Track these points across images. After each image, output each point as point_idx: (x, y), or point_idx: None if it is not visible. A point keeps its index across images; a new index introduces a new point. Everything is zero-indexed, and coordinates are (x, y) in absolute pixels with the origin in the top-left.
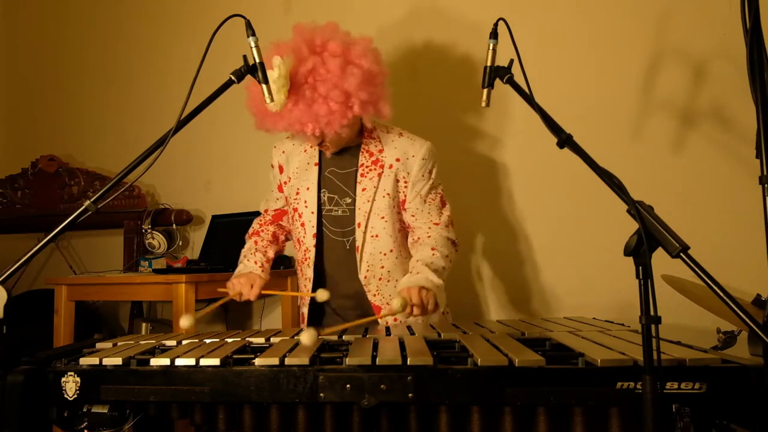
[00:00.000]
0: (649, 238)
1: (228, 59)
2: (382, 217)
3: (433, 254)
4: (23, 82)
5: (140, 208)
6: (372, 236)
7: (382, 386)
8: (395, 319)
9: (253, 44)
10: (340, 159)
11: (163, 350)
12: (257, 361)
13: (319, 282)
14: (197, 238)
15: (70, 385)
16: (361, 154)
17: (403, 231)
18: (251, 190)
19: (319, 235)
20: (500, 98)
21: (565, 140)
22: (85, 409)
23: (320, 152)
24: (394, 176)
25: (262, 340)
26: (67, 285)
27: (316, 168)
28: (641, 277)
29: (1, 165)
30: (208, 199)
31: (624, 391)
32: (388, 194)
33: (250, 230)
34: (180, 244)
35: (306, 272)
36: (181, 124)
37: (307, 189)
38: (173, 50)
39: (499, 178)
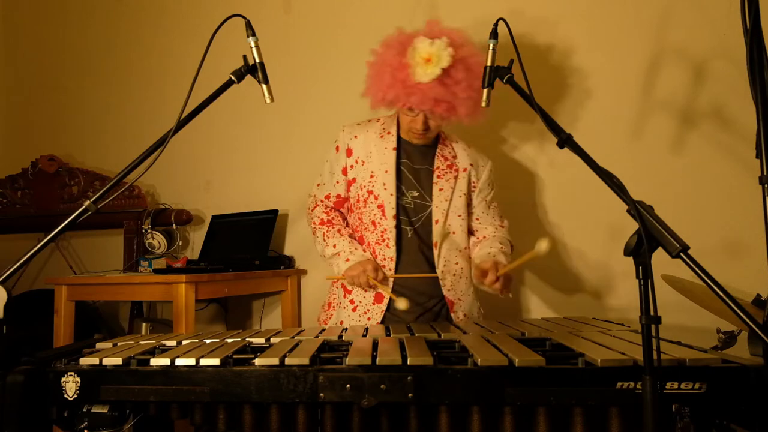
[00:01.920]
0: (649, 238)
1: (228, 59)
2: (459, 215)
3: (502, 247)
4: (23, 82)
5: (140, 208)
6: (451, 233)
7: (382, 386)
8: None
9: (253, 44)
10: (415, 153)
11: (163, 350)
12: (257, 361)
13: (398, 260)
14: (197, 238)
15: (70, 385)
16: (436, 157)
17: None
18: (251, 190)
19: (398, 218)
20: (498, 99)
21: (565, 140)
22: (85, 409)
23: (398, 139)
24: (467, 179)
25: (262, 340)
26: (67, 285)
27: (395, 153)
28: (641, 277)
29: (1, 165)
30: (208, 199)
31: (624, 391)
32: (464, 194)
33: (317, 219)
34: (180, 244)
35: (385, 252)
36: (181, 124)
37: (386, 172)
38: (173, 50)
39: (500, 177)
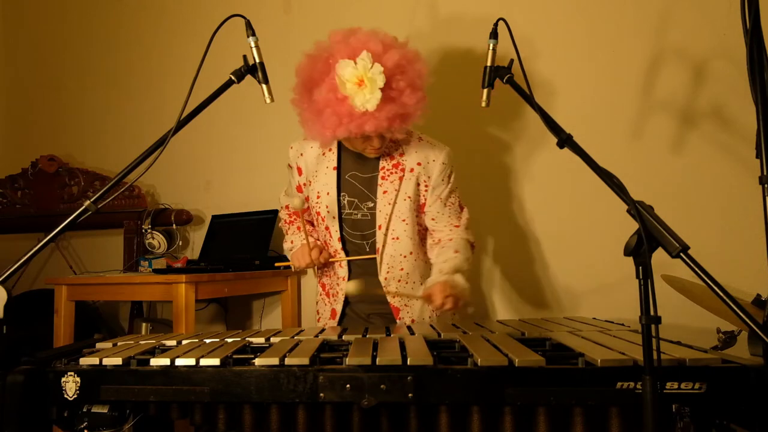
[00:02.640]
0: (649, 238)
1: (228, 59)
2: (403, 220)
3: (456, 256)
4: (23, 82)
5: (140, 208)
6: (393, 238)
7: (382, 386)
8: (434, 312)
9: (253, 44)
10: (362, 163)
11: (163, 350)
12: (257, 361)
13: (350, 280)
14: (197, 238)
15: (70, 385)
16: (381, 158)
17: (421, 234)
18: (251, 190)
19: (343, 238)
20: (506, 99)
21: (565, 140)
22: (85, 409)
23: (339, 156)
24: (415, 180)
25: (262, 340)
26: (67, 285)
27: (335, 172)
28: (641, 277)
29: (1, 165)
30: (208, 199)
31: (624, 391)
32: (409, 197)
33: (282, 221)
34: (180, 244)
35: (339, 272)
36: (181, 124)
37: (327, 194)
38: (173, 50)
39: (499, 178)
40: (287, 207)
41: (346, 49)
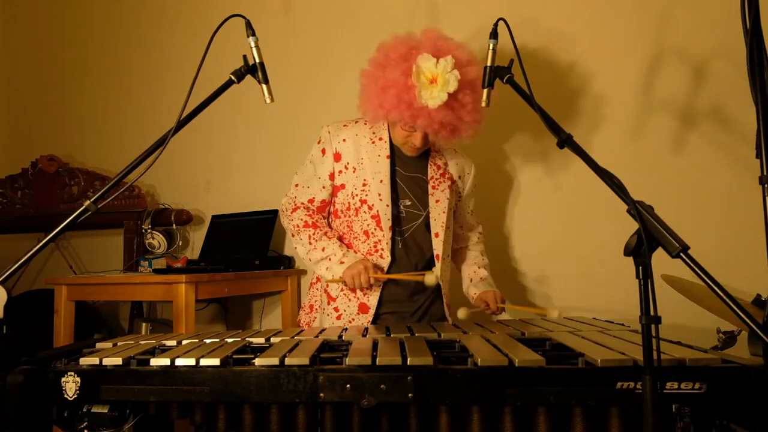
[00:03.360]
0: (649, 238)
1: (228, 59)
2: (449, 227)
3: (484, 260)
4: (23, 82)
5: (140, 208)
6: (446, 244)
7: (382, 386)
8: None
9: (253, 44)
10: (408, 161)
11: (163, 350)
12: (257, 361)
13: (390, 272)
14: (197, 238)
15: (70, 385)
16: (429, 165)
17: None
18: (251, 190)
19: (393, 229)
20: (501, 98)
21: (565, 140)
22: (85, 409)
23: (391, 146)
24: (456, 191)
25: (262, 340)
26: (67, 285)
27: (388, 161)
28: (641, 277)
29: (1, 165)
30: (208, 199)
31: (624, 391)
32: (453, 207)
33: (300, 222)
34: (180, 244)
35: (379, 262)
36: (181, 124)
37: (381, 182)
38: (173, 50)
39: (500, 177)
40: (310, 202)
41: (433, 47)
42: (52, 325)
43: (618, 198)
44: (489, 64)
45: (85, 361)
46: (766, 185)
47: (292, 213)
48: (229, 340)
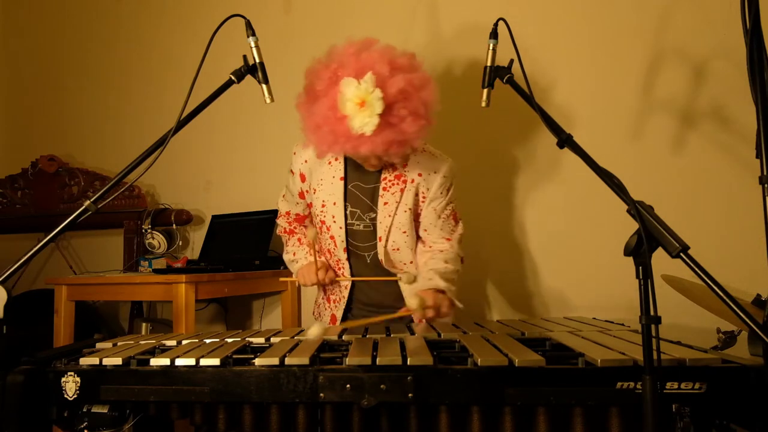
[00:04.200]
0: (649, 238)
1: (228, 59)
2: (404, 232)
3: (446, 267)
4: (23, 82)
5: (140, 208)
6: (393, 249)
7: (382, 386)
8: (418, 320)
9: (253, 44)
10: (365, 173)
11: (163, 350)
12: (257, 361)
13: (352, 291)
14: (197, 238)
15: (70, 385)
16: (384, 168)
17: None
18: (251, 190)
19: (348, 249)
20: (502, 98)
21: (565, 140)
22: (85, 409)
23: (345, 166)
24: (414, 190)
25: (262, 340)
26: (67, 285)
27: (342, 182)
28: (641, 277)
29: (1, 165)
30: (208, 199)
31: (624, 391)
32: (410, 209)
33: (281, 228)
34: (180, 244)
35: (341, 282)
36: (181, 124)
37: (334, 204)
38: (173, 50)
39: (501, 178)
40: (287, 214)
41: (355, 65)
42: (52, 325)
43: (618, 198)
44: (489, 64)
45: (85, 361)
46: (766, 185)
47: (278, 219)
48: (229, 340)
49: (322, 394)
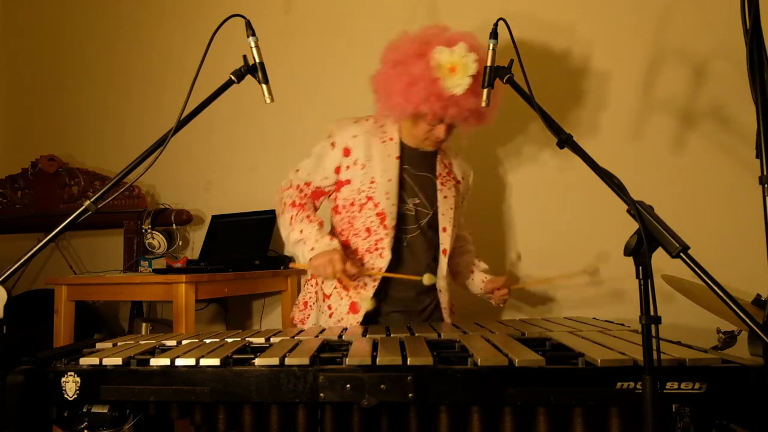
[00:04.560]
0: (649, 238)
1: (228, 59)
2: (455, 225)
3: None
4: (23, 82)
5: (140, 208)
6: (452, 239)
7: (382, 386)
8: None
9: (253, 44)
10: (417, 159)
11: (163, 350)
12: (257, 361)
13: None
14: (197, 238)
15: (70, 385)
16: (438, 163)
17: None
18: (251, 190)
19: (396, 227)
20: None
21: (565, 140)
22: (85, 409)
23: (401, 147)
24: (460, 191)
25: (262, 340)
26: (67, 285)
27: (398, 162)
28: (641, 277)
29: (1, 165)
30: (208, 199)
31: (624, 391)
32: (458, 207)
33: (289, 200)
34: (180, 244)
35: (375, 262)
36: (181, 124)
37: (389, 180)
38: (173, 50)
39: (500, 178)
40: (306, 185)
41: (443, 39)
42: (52, 325)
43: (618, 198)
44: (489, 64)
45: (85, 361)
46: (766, 185)
47: (284, 191)
48: (229, 340)
49: (322, 394)
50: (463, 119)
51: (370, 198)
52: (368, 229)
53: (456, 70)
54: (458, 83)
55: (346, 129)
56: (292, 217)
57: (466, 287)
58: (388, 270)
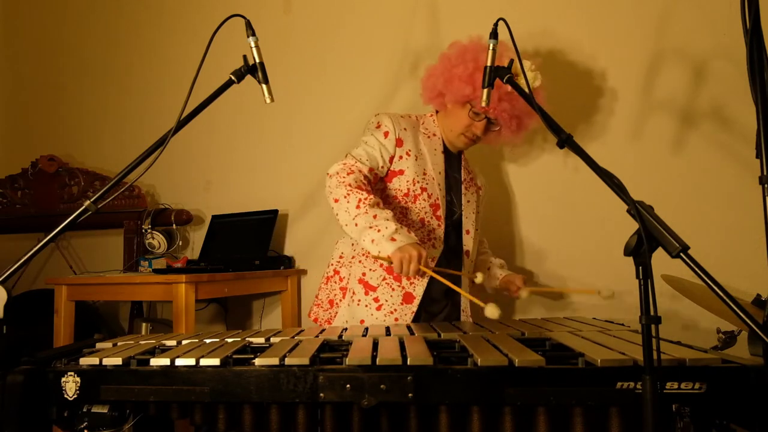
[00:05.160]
0: (649, 238)
1: (228, 59)
2: (477, 229)
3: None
4: (23, 82)
5: (140, 208)
6: (474, 242)
7: (382, 386)
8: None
9: (253, 44)
10: (450, 159)
11: (163, 350)
12: (257, 361)
13: (440, 262)
14: (197, 238)
15: (70, 385)
16: (463, 168)
17: None
18: (251, 190)
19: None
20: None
21: (565, 140)
22: (85, 409)
23: (443, 144)
24: (480, 199)
25: (262, 340)
26: (67, 285)
27: (443, 156)
28: (641, 277)
29: (1, 165)
30: (208, 199)
31: (624, 391)
32: (479, 213)
33: (352, 182)
34: (180, 244)
35: (431, 252)
36: (181, 124)
37: (440, 173)
38: (173, 50)
39: (501, 177)
40: (370, 170)
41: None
42: (52, 325)
43: (618, 198)
44: (489, 64)
45: (85, 361)
46: (766, 185)
47: (347, 175)
48: (229, 340)
49: (322, 394)
50: (509, 118)
51: (424, 189)
52: (422, 220)
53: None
54: (529, 78)
55: (396, 121)
56: (360, 200)
57: (482, 283)
58: (441, 259)
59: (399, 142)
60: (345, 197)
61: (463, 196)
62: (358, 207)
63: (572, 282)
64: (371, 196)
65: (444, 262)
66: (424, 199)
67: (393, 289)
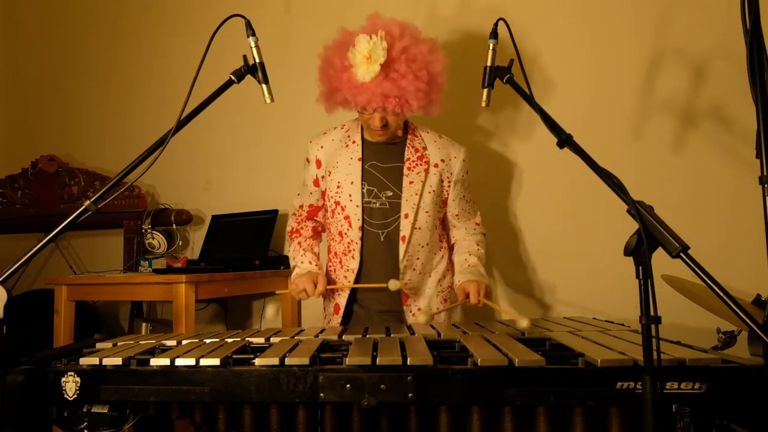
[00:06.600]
0: (649, 238)
1: (228, 59)
2: (426, 212)
3: (479, 250)
4: (23, 82)
5: (140, 208)
6: (416, 228)
7: (382, 386)
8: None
9: (253, 44)
10: (383, 153)
11: (163, 350)
12: (257, 361)
13: (360, 272)
14: (197, 238)
15: (70, 385)
16: (406, 149)
17: (438, 227)
18: (251, 190)
19: (363, 227)
20: (509, 97)
21: (565, 140)
22: (85, 409)
23: (363, 147)
24: (439, 175)
25: (262, 340)
26: (67, 285)
27: (359, 162)
28: (641, 277)
29: (1, 165)
30: (208, 199)
31: (624, 391)
32: (434, 191)
33: (290, 228)
34: (180, 244)
35: (349, 264)
36: (181, 124)
37: (351, 183)
38: (173, 50)
39: (501, 177)
40: (300, 208)
41: (372, 27)
42: (52, 325)
43: (618, 198)
44: (489, 64)
45: (85, 361)
46: (766, 185)
47: (289, 218)
48: (229, 340)
49: (322, 394)
50: (380, 105)
51: (337, 203)
52: (340, 233)
53: (370, 58)
54: (367, 71)
55: (315, 143)
56: (289, 244)
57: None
58: (361, 270)
59: (318, 163)
60: (289, 244)
61: (405, 177)
62: (290, 250)
63: (572, 282)
64: (295, 239)
65: (372, 268)
66: (339, 212)
67: (331, 300)
